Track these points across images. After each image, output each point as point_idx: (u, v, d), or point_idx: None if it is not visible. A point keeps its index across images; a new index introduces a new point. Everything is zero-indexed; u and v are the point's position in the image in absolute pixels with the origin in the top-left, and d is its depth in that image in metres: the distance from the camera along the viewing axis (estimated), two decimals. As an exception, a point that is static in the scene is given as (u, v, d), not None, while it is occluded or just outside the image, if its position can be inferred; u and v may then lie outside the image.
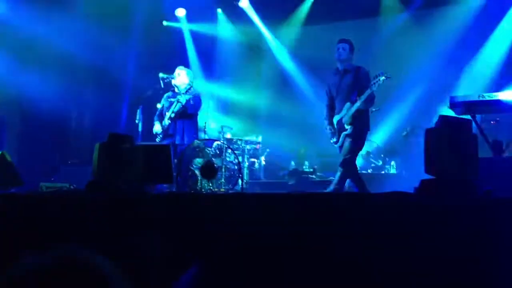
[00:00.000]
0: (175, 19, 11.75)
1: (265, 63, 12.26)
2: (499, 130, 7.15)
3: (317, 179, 9.34)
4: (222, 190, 7.73)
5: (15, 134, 9.77)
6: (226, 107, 11.61)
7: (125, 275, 1.03)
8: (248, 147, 9.20)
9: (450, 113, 4.98)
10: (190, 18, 11.72)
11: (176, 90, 7.29)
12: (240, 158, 8.66)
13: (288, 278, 2.57)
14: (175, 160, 6.73)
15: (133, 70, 10.90)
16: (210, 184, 7.41)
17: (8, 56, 8.88)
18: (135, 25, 10.87)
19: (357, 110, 6.03)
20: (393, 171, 9.21)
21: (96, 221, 2.90)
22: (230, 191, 7.57)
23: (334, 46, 6.48)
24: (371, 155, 9.38)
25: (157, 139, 7.17)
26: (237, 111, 11.50)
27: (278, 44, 11.80)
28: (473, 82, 9.01)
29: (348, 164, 6.05)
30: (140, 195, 3.49)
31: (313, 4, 11.12)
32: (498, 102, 4.86)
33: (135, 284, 1.09)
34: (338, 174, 6.08)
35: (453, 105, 5.04)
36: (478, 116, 5.17)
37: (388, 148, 9.49)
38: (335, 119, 6.36)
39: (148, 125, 7.40)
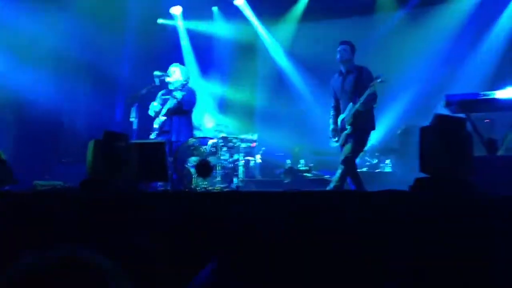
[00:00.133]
0: (170, 17, 11.73)
1: (261, 61, 12.25)
2: (494, 129, 7.17)
3: (313, 177, 9.34)
4: (217, 188, 7.72)
5: (9, 132, 9.73)
6: (221, 105, 11.60)
7: (123, 273, 1.02)
8: (243, 145, 9.19)
9: (445, 111, 4.99)
10: (185, 16, 11.70)
11: (170, 87, 7.28)
12: (235, 156, 8.65)
13: (283, 276, 2.56)
14: (171, 158, 6.73)
15: (128, 68, 10.89)
16: (205, 182, 7.41)
17: (1, 54, 8.84)
18: (130, 23, 10.86)
19: (357, 111, 6.10)
20: (388, 169, 9.22)
21: (90, 219, 2.89)
22: (225, 189, 7.57)
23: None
24: (366, 154, 9.38)
25: (152, 136, 7.16)
26: (233, 109, 11.49)
27: (273, 42, 11.79)
28: (468, 81, 9.03)
29: (349, 162, 6.10)
30: (135, 193, 3.48)
31: (309, 2, 11.12)
32: (493, 100, 4.88)
33: (133, 283, 1.08)
34: (339, 171, 6.13)
35: (448, 104, 5.06)
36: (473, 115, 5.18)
37: (383, 147, 9.49)
38: (339, 119, 6.42)
39: (143, 122, 7.38)
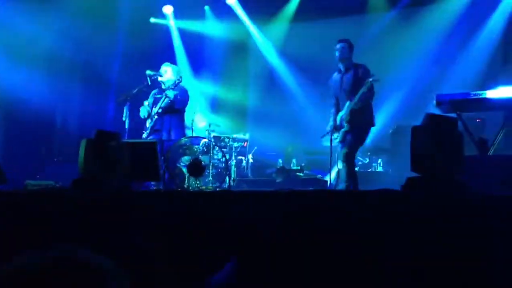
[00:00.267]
0: (163, 16, 11.71)
1: (253, 60, 12.25)
2: (485, 128, 7.21)
3: (305, 176, 9.35)
4: (210, 187, 7.72)
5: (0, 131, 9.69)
6: (213, 105, 11.60)
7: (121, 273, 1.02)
8: (235, 144, 9.19)
9: (437, 111, 5.01)
10: (177, 15, 11.69)
11: (163, 86, 7.27)
12: (227, 156, 8.65)
13: (279, 276, 2.57)
14: (162, 158, 6.71)
15: (120, 67, 10.86)
16: (198, 182, 7.40)
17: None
18: (122, 22, 10.82)
19: (353, 108, 6.13)
20: (379, 169, 9.25)
21: (82, 219, 2.88)
22: (217, 189, 7.57)
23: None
24: (358, 153, 9.40)
25: (144, 135, 7.14)
26: (225, 109, 11.49)
27: (265, 41, 11.79)
28: (459, 81, 9.07)
29: (348, 158, 6.14)
30: (127, 192, 3.48)
31: (301, 1, 11.13)
32: (484, 100, 4.90)
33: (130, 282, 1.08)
34: (344, 171, 6.14)
35: (439, 103, 5.08)
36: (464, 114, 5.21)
37: (375, 146, 9.51)
38: (338, 117, 6.43)
39: (135, 122, 7.37)
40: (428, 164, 2.85)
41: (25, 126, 9.71)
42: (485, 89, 5.06)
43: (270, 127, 10.62)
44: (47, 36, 9.33)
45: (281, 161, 9.94)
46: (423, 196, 2.65)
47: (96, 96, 10.47)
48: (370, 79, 6.03)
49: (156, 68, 7.35)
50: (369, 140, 9.42)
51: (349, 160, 6.14)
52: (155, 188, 6.42)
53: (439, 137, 2.85)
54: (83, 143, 3.50)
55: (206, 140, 8.35)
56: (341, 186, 6.18)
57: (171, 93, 7.00)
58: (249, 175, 9.72)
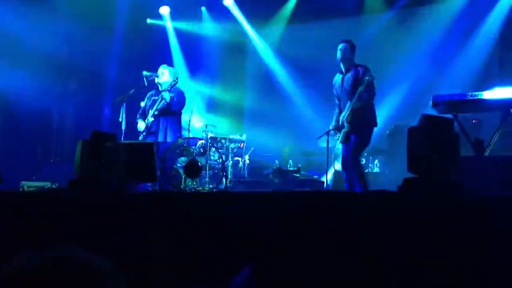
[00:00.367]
0: (159, 17, 11.71)
1: (250, 61, 12.24)
2: (481, 129, 7.22)
3: (301, 177, 9.36)
4: (206, 188, 7.71)
5: (-4, 132, 9.67)
6: (210, 106, 11.59)
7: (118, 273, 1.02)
8: (232, 145, 9.19)
9: (433, 112, 5.02)
10: (174, 16, 11.68)
11: (159, 88, 7.27)
12: (224, 157, 8.65)
13: (274, 276, 2.57)
14: (159, 159, 6.71)
15: (117, 68, 10.84)
16: (194, 183, 7.40)
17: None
18: (118, 23, 10.81)
19: (353, 108, 6.12)
20: (376, 169, 9.25)
21: (78, 219, 2.88)
22: (214, 190, 7.56)
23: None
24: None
25: (140, 137, 7.13)
26: (221, 110, 11.48)
27: (262, 43, 11.79)
28: (456, 81, 9.08)
29: (355, 161, 6.12)
30: (124, 193, 3.47)
31: (298, 2, 11.13)
32: (480, 101, 4.91)
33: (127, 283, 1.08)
34: (354, 174, 6.12)
35: (436, 104, 5.09)
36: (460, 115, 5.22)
37: (372, 147, 9.51)
38: (340, 117, 6.41)
39: (132, 123, 7.36)
40: (425, 165, 2.85)
41: (22, 127, 9.70)
42: (482, 90, 5.06)
43: (267, 128, 10.62)
44: (44, 37, 9.31)
45: (277, 162, 9.94)
46: (419, 197, 2.65)
47: (92, 97, 10.46)
48: (367, 77, 6.01)
49: (153, 69, 7.35)
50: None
51: (355, 163, 6.12)
52: (151, 189, 6.41)
53: (435, 138, 2.85)
54: (79, 144, 3.49)
55: (202, 141, 8.34)
56: (357, 189, 6.14)
57: (167, 95, 6.99)
58: (246, 176, 9.72)
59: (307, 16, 11.03)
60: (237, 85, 11.89)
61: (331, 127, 6.57)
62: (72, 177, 3.50)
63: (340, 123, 6.42)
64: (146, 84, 7.24)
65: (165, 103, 7.02)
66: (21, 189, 7.45)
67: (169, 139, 7.10)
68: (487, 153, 5.00)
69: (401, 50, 9.81)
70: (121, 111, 7.20)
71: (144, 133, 7.14)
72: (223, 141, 9.09)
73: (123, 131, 7.11)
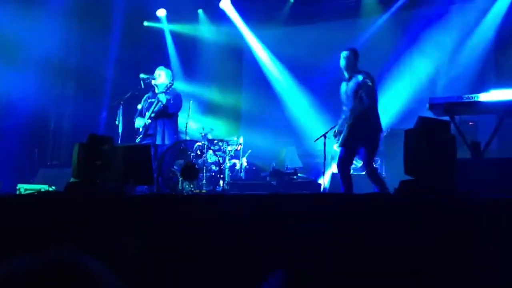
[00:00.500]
0: (156, 19, 11.71)
1: (246, 64, 12.26)
2: (477, 131, 7.23)
3: (298, 180, 9.36)
4: (204, 191, 7.71)
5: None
6: (207, 108, 11.58)
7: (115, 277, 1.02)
8: (229, 148, 9.19)
9: (429, 114, 5.02)
10: (171, 18, 11.69)
11: (156, 90, 7.26)
12: (221, 159, 8.65)
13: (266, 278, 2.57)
14: (156, 161, 6.70)
15: (113, 71, 10.84)
16: (191, 186, 7.39)
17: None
18: (116, 26, 10.81)
19: (354, 116, 6.13)
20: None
21: (75, 222, 2.88)
22: (211, 192, 7.56)
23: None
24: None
25: (137, 140, 7.12)
26: (218, 112, 11.49)
27: (259, 45, 11.80)
28: (452, 84, 9.11)
29: (370, 168, 6.14)
30: (120, 196, 3.47)
31: (294, 5, 11.15)
32: (477, 103, 4.92)
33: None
34: (371, 178, 6.14)
35: (432, 106, 5.09)
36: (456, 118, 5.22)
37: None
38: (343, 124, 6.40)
39: (129, 126, 7.35)
40: (421, 167, 2.86)
41: (19, 130, 9.68)
42: (478, 93, 5.07)
43: (264, 130, 10.63)
44: (41, 40, 9.30)
45: (274, 164, 9.95)
46: (416, 199, 2.65)
47: (89, 100, 10.45)
48: (367, 81, 6.03)
49: (150, 71, 7.34)
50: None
51: (369, 170, 6.14)
52: (148, 192, 6.40)
53: (432, 140, 2.86)
54: (76, 147, 3.49)
55: (199, 143, 8.34)
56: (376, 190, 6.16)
57: (163, 98, 6.98)
58: (243, 178, 9.72)
59: (303, 19, 11.06)
60: (234, 88, 11.91)
61: (334, 132, 6.55)
62: (69, 180, 3.50)
63: (341, 127, 6.41)
64: (143, 86, 7.23)
65: (162, 105, 7.01)
66: (18, 192, 7.44)
67: (166, 142, 7.08)
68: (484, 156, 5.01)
69: (397, 52, 9.84)
70: (118, 114, 7.19)
71: (141, 135, 7.13)
72: (220, 143, 9.09)
73: (120, 134, 7.10)
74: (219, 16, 11.62)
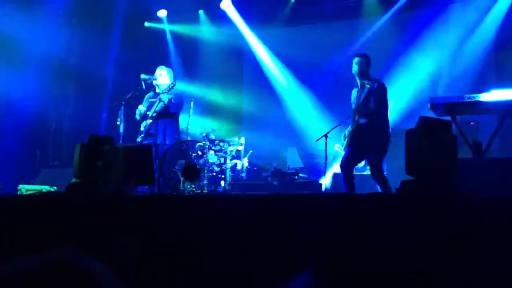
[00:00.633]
0: (157, 20, 11.72)
1: (247, 64, 12.26)
2: (479, 131, 7.23)
3: (300, 180, 9.36)
4: (205, 191, 7.71)
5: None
6: (208, 108, 11.57)
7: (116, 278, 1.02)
8: (230, 148, 9.19)
9: (431, 114, 5.02)
10: (172, 19, 11.70)
11: (157, 90, 7.26)
12: (222, 160, 8.64)
13: (268, 278, 2.57)
14: (157, 161, 6.70)
15: (114, 71, 10.84)
16: (193, 186, 7.40)
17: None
18: (116, 26, 10.82)
19: (360, 124, 6.15)
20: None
21: (76, 223, 2.88)
22: (212, 193, 7.57)
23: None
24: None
25: (138, 139, 7.12)
26: (220, 112, 11.48)
27: (260, 45, 11.79)
28: (453, 84, 9.10)
29: (378, 172, 6.14)
30: (121, 196, 3.47)
31: (295, 5, 11.14)
32: (478, 103, 4.91)
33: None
34: (378, 182, 6.14)
35: (433, 106, 5.09)
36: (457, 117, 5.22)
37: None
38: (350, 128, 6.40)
39: (129, 126, 7.35)
40: (423, 167, 2.86)
41: (20, 130, 9.68)
42: (479, 93, 5.07)
43: (265, 130, 10.63)
44: (42, 40, 9.31)
45: (276, 165, 9.94)
46: (417, 199, 2.65)
47: (90, 100, 10.45)
48: (379, 91, 6.07)
49: (151, 72, 7.34)
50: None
51: (376, 175, 6.15)
52: (149, 192, 6.40)
53: (433, 140, 2.86)
54: (77, 148, 3.50)
55: (201, 143, 8.34)
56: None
57: (165, 98, 6.98)
58: (244, 178, 9.72)
59: (304, 18, 11.05)
60: (235, 88, 11.91)
61: (343, 135, 6.52)
62: (71, 181, 3.50)
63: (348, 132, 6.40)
64: (144, 87, 7.23)
65: (163, 105, 7.01)
66: (19, 193, 7.45)
67: (167, 141, 7.08)
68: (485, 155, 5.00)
69: (398, 52, 9.83)
70: (119, 114, 7.19)
71: (142, 135, 7.13)
72: (221, 143, 9.09)
73: (121, 134, 7.10)
74: (219, 17, 11.61)
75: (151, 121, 7.07)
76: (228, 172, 8.94)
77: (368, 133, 6.12)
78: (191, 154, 8.07)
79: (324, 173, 7.57)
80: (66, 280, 0.94)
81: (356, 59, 6.35)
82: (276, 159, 10.36)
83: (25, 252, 1.02)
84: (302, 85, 11.23)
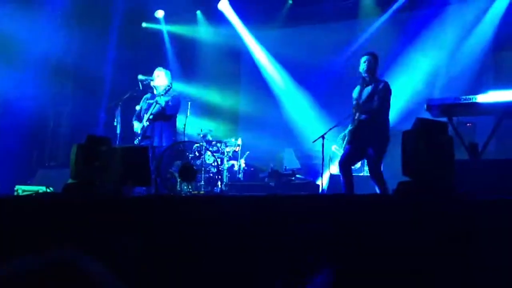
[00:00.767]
0: (155, 20, 11.72)
1: (245, 65, 12.26)
2: (475, 133, 7.24)
3: (297, 181, 9.36)
4: (202, 192, 7.71)
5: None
6: (205, 109, 11.57)
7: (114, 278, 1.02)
8: (227, 149, 9.19)
9: (427, 115, 5.03)
10: (169, 20, 11.70)
11: (155, 91, 7.25)
12: (219, 161, 8.64)
13: (266, 278, 2.57)
14: (154, 163, 6.69)
15: (112, 72, 10.84)
16: (190, 187, 7.39)
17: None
18: (114, 27, 10.81)
19: (361, 120, 6.15)
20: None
21: (73, 224, 2.87)
22: (209, 193, 7.57)
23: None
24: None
25: (135, 141, 7.11)
26: (217, 113, 11.49)
27: (257, 46, 11.80)
28: (450, 84, 9.12)
29: (377, 172, 6.14)
30: (119, 197, 3.47)
31: (293, 6, 11.15)
32: (475, 104, 4.93)
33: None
34: (377, 181, 6.14)
35: (430, 108, 5.10)
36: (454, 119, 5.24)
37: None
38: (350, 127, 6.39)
39: (127, 127, 7.34)
40: (419, 169, 2.86)
41: (16, 131, 9.66)
42: (477, 94, 5.08)
43: (262, 131, 10.63)
44: (39, 40, 9.30)
45: (273, 166, 9.95)
46: (414, 200, 2.66)
47: (87, 101, 10.44)
48: (384, 91, 6.07)
49: (148, 73, 7.33)
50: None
51: (378, 176, 6.15)
52: (146, 193, 6.39)
53: (429, 142, 2.86)
54: (74, 148, 3.49)
55: (198, 144, 8.34)
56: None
57: (162, 100, 6.96)
58: (241, 179, 9.73)
59: (302, 19, 11.06)
60: (232, 89, 11.91)
61: (341, 136, 6.52)
62: (67, 181, 3.50)
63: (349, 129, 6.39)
64: (141, 87, 7.22)
65: (160, 108, 7.00)
66: (16, 194, 7.43)
67: (164, 143, 7.07)
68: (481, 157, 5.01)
69: (395, 53, 9.84)
70: (116, 115, 7.18)
71: (139, 137, 7.11)
72: (218, 144, 9.09)
73: (118, 135, 7.09)
74: (217, 17, 11.62)
75: (148, 123, 7.06)
76: (225, 173, 8.94)
77: (368, 130, 6.12)
78: (188, 155, 8.07)
79: (321, 174, 7.57)
80: (65, 280, 0.95)
81: (364, 58, 6.35)
82: (273, 160, 10.36)
83: (22, 253, 1.02)
84: (299, 86, 11.24)
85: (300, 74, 11.04)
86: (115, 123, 7.18)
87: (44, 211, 3.06)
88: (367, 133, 6.12)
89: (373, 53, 6.40)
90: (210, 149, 8.54)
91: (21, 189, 7.48)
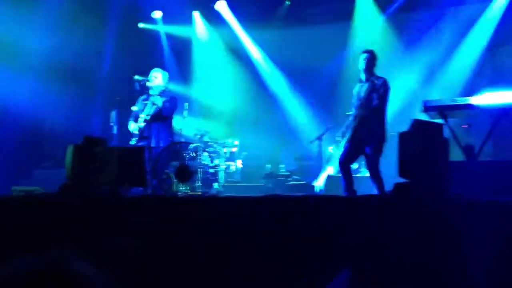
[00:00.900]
0: (152, 21, 11.71)
1: (242, 66, 12.26)
2: (471, 134, 7.25)
3: (293, 182, 9.36)
4: (198, 193, 7.70)
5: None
6: (202, 110, 11.57)
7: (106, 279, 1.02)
8: (224, 150, 9.19)
9: (424, 117, 5.04)
10: (166, 20, 11.69)
11: (151, 92, 7.23)
12: (216, 161, 8.63)
13: (265, 278, 2.57)
14: (151, 164, 6.68)
15: (108, 72, 10.82)
16: (186, 187, 7.39)
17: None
18: (111, 27, 10.80)
19: (361, 117, 6.15)
20: (368, 174, 9.25)
21: (68, 224, 2.87)
22: (205, 194, 7.56)
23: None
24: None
25: (132, 142, 7.10)
26: (214, 114, 11.48)
27: (255, 47, 11.79)
28: (446, 87, 9.13)
29: (375, 171, 6.15)
30: (114, 198, 3.46)
31: (290, 7, 11.16)
32: (470, 106, 4.94)
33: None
34: (375, 180, 6.16)
35: (426, 109, 5.11)
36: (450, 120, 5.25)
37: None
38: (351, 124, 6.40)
39: (123, 127, 7.33)
40: (415, 170, 2.87)
41: (12, 131, 9.63)
42: (472, 95, 5.10)
43: (259, 133, 10.64)
44: (35, 42, 9.28)
45: (269, 167, 9.94)
46: (409, 201, 2.66)
47: (84, 102, 10.42)
48: (382, 88, 6.07)
49: (145, 73, 7.32)
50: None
51: (376, 174, 6.16)
52: (142, 193, 6.38)
53: (425, 143, 2.87)
54: (70, 149, 3.49)
55: (195, 145, 8.33)
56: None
57: (159, 101, 6.95)
58: (238, 180, 9.72)
59: (299, 20, 11.06)
60: (230, 90, 11.90)
61: (340, 134, 6.52)
62: (63, 182, 3.49)
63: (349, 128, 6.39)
64: (138, 88, 7.20)
65: (157, 109, 6.99)
66: (12, 194, 7.40)
67: (161, 144, 7.06)
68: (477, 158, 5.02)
69: (392, 55, 9.85)
70: (112, 116, 7.16)
71: (136, 138, 7.10)
72: (215, 145, 9.08)
73: (114, 135, 7.07)
74: (214, 18, 11.61)
75: (144, 124, 7.04)
76: (222, 174, 8.93)
77: (367, 127, 6.14)
78: (185, 155, 8.05)
79: (318, 176, 7.58)
80: (60, 280, 0.95)
81: (363, 55, 6.37)
82: (270, 161, 10.37)
83: (16, 253, 1.02)
84: (296, 87, 11.25)
85: (297, 75, 11.04)
86: (111, 124, 7.16)
87: (39, 211, 3.05)
88: (366, 129, 6.14)
89: (372, 50, 6.43)
90: (207, 150, 8.53)
91: (17, 190, 7.45)
